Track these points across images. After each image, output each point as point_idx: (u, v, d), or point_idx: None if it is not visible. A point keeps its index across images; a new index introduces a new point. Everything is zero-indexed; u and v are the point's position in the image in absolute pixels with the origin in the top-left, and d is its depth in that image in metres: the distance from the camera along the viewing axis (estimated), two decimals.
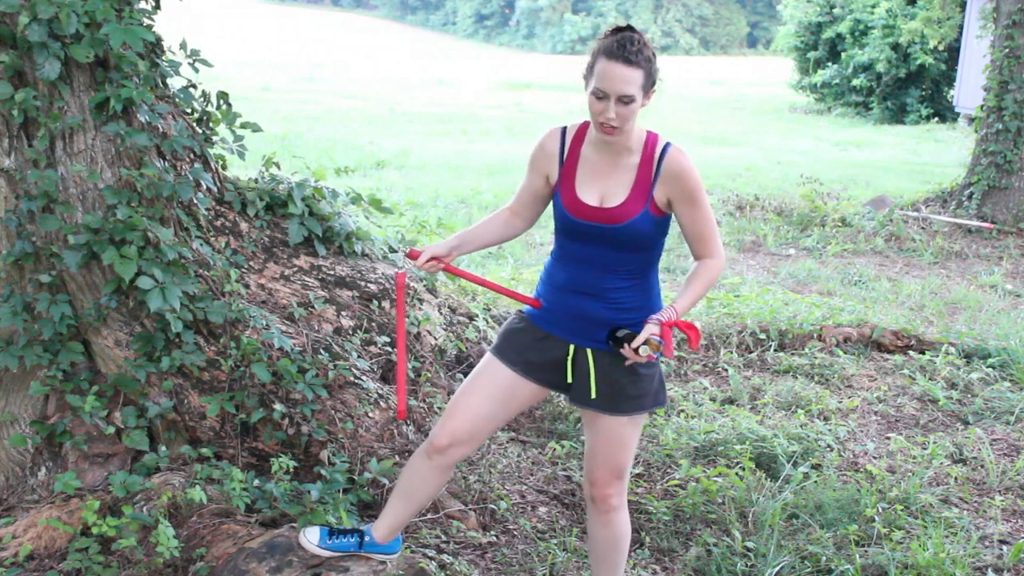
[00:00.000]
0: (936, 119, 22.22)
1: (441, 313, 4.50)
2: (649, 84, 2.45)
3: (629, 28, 2.45)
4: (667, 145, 2.54)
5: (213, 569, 2.95)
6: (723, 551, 3.34)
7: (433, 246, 2.73)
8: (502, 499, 3.63)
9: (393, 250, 4.39)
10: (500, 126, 18.82)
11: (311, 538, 2.89)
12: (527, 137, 17.04)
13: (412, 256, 2.72)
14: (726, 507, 3.65)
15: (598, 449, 2.71)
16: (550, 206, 2.75)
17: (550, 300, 2.69)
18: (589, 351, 2.64)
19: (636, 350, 2.45)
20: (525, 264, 7.48)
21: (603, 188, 2.56)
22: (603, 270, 2.59)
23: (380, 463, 3.47)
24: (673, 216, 2.62)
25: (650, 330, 2.46)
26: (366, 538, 2.91)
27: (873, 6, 23.75)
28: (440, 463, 2.75)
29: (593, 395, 2.63)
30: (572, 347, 2.66)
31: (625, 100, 2.42)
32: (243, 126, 3.72)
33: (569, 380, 2.68)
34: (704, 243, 2.61)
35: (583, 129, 2.63)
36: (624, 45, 2.39)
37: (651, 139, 2.56)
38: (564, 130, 2.65)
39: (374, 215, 4.53)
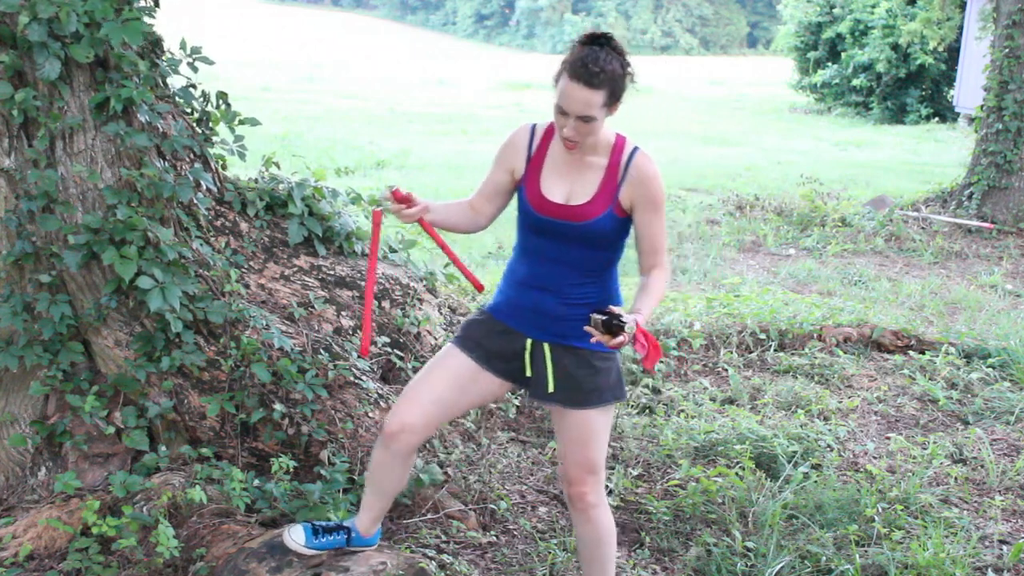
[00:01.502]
0: (936, 119, 22.20)
1: (441, 313, 4.50)
2: (612, 100, 2.46)
3: (604, 37, 2.44)
4: (635, 149, 2.57)
5: (213, 569, 2.95)
6: (723, 551, 3.34)
7: (421, 204, 2.66)
8: (502, 499, 3.63)
9: (393, 250, 4.39)
10: (500, 126, 18.80)
11: (296, 538, 2.88)
12: None
13: (396, 196, 2.64)
14: (726, 507, 3.65)
15: (567, 446, 2.72)
16: (511, 205, 2.76)
17: (510, 294, 2.72)
18: (547, 345, 2.66)
19: (609, 326, 2.39)
20: None
21: (569, 186, 2.59)
22: (563, 266, 2.62)
23: None
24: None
25: (632, 320, 2.42)
26: (353, 534, 2.92)
27: (873, 6, 23.74)
28: (396, 451, 2.74)
29: (551, 388, 2.65)
30: (530, 341, 2.68)
31: (585, 119, 2.44)
32: (242, 122, 3.72)
33: (528, 374, 2.70)
34: (657, 253, 2.62)
35: (553, 127, 2.64)
36: (587, 65, 2.39)
37: (619, 142, 2.58)
38: (535, 127, 2.68)
39: None
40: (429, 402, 2.71)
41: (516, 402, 4.36)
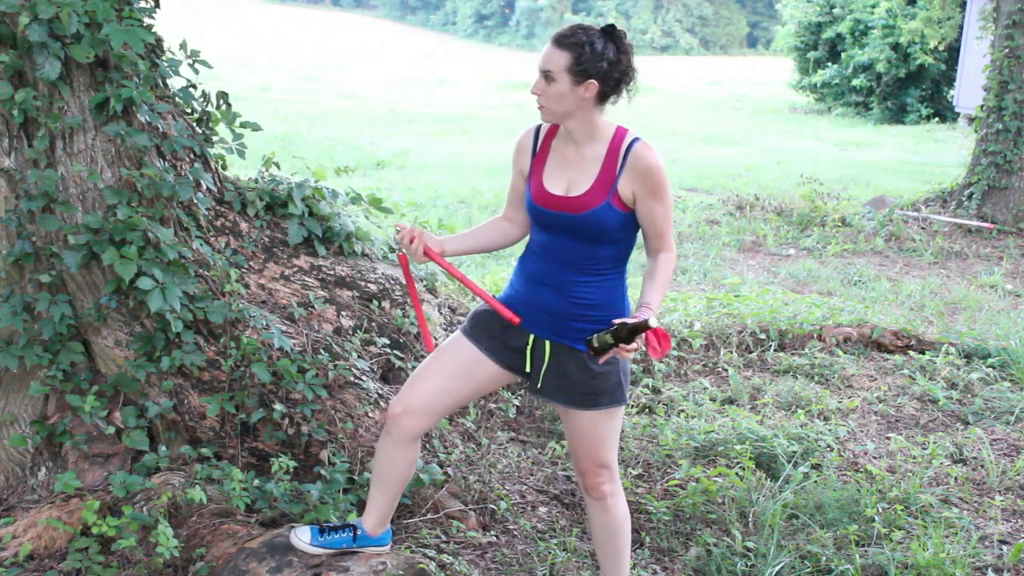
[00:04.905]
0: (936, 119, 22.21)
1: (441, 313, 4.50)
2: (578, 70, 2.49)
3: (610, 27, 2.53)
4: (634, 140, 2.57)
5: (213, 569, 2.95)
6: (723, 551, 3.34)
7: (424, 232, 2.74)
8: (502, 499, 3.63)
9: (393, 250, 4.39)
10: (500, 126, 18.81)
11: (303, 537, 2.89)
12: None
13: (405, 234, 2.70)
14: (726, 507, 3.65)
15: (574, 443, 2.77)
16: None
17: (518, 289, 2.74)
18: (547, 343, 2.68)
19: (620, 336, 2.42)
20: None
21: (569, 178, 2.61)
22: (567, 263, 2.63)
23: None
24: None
25: (646, 318, 2.42)
26: (359, 532, 2.92)
27: (873, 6, 23.74)
28: (398, 437, 2.76)
29: (539, 385, 2.70)
30: (532, 337, 2.70)
31: (546, 76, 2.51)
32: (243, 125, 3.72)
33: (527, 369, 2.73)
34: (662, 238, 2.63)
35: (556, 125, 2.68)
36: (565, 32, 2.51)
37: (619, 133, 2.60)
38: (540, 127, 2.73)
39: (374, 215, 4.53)
40: (429, 388, 2.74)
41: (516, 402, 4.36)
